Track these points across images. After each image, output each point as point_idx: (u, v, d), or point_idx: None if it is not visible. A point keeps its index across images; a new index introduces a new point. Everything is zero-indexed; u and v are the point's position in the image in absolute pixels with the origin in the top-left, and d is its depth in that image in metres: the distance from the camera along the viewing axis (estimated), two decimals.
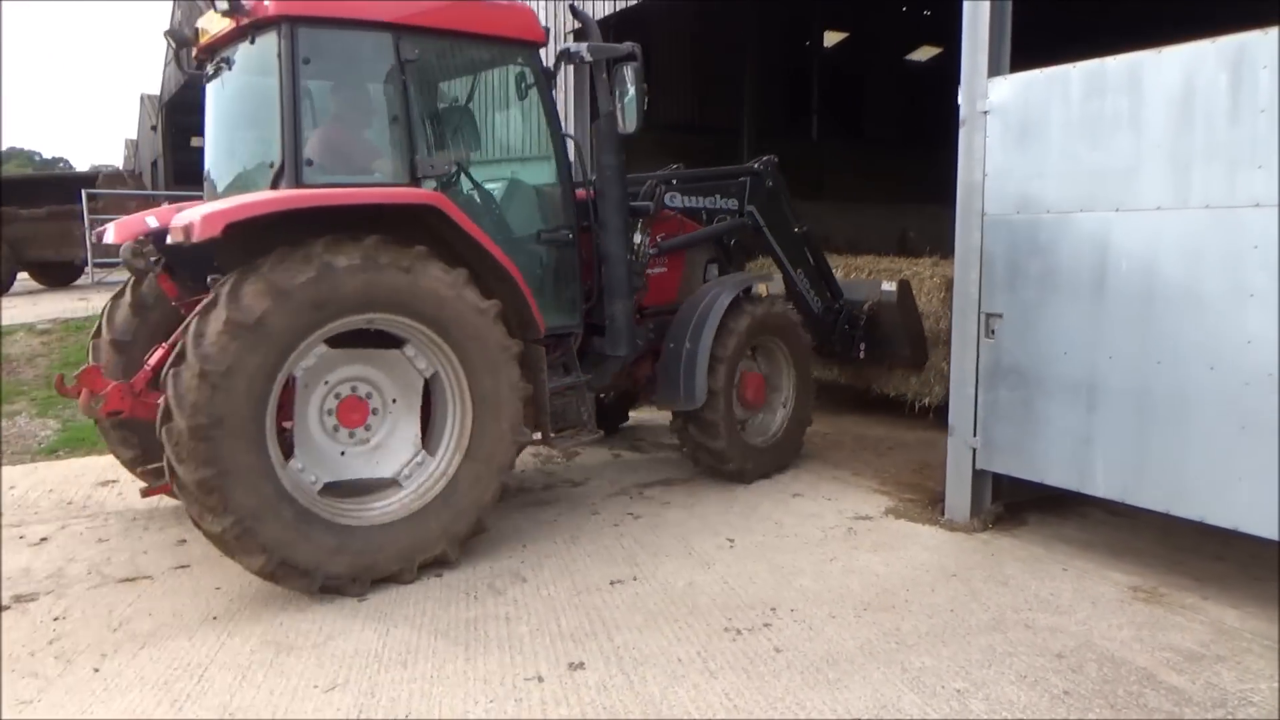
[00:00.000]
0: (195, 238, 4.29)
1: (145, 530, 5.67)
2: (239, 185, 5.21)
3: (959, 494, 5.57)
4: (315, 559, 4.49)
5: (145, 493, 5.08)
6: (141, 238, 5.41)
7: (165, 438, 4.28)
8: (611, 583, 4.77)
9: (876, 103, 22.97)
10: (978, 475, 5.52)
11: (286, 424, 4.78)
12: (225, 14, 4.87)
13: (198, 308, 4.39)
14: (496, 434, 5.02)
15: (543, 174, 5.76)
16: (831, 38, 23.08)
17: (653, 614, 4.38)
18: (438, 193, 4.96)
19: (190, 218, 4.35)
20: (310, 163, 4.73)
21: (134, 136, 53.27)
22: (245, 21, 4.85)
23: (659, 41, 18.22)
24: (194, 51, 5.51)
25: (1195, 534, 5.07)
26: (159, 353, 5.03)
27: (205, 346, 4.24)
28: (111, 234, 5.52)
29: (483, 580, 4.83)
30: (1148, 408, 4.59)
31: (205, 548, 5.18)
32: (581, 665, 3.89)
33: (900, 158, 20.92)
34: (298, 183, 4.67)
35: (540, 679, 3.78)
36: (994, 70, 5.25)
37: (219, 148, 5.51)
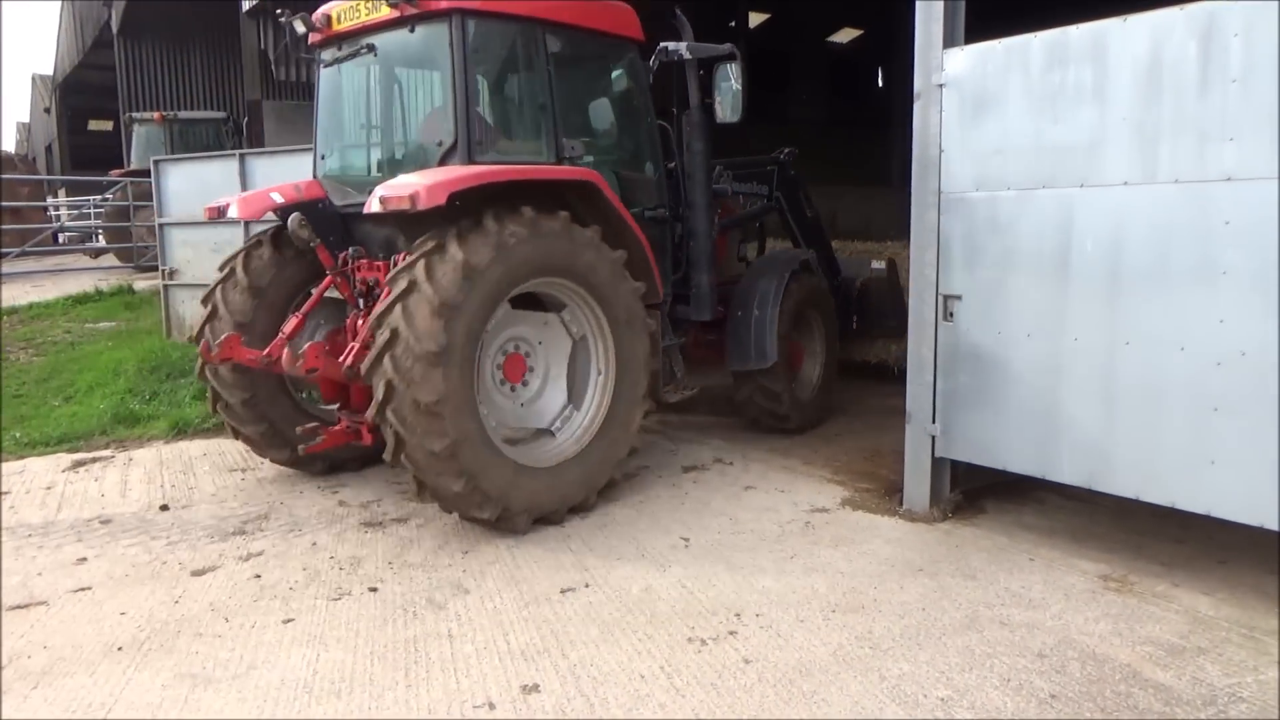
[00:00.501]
0: (421, 206, 4.73)
1: (40, 549, 5.12)
2: (387, 161, 5.88)
3: (917, 483, 5.39)
4: (524, 503, 5.13)
5: (305, 450, 5.78)
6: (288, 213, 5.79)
7: (392, 416, 4.75)
8: (562, 591, 4.44)
9: (802, 84, 22.90)
10: (937, 463, 5.34)
11: None
12: (394, 5, 5.23)
13: (391, 290, 4.83)
14: (632, 394, 5.68)
15: (643, 158, 6.37)
16: (757, 19, 22.94)
17: (609, 625, 4.07)
18: (593, 170, 5.54)
19: (408, 189, 4.78)
20: (480, 142, 5.26)
21: (26, 119, 50.53)
22: (410, 13, 5.25)
23: None
24: (314, 37, 5.94)
25: (1153, 517, 4.99)
26: (293, 321, 5.69)
27: (419, 329, 4.70)
28: (235, 209, 5.87)
29: (420, 593, 4.45)
30: (1115, 391, 4.44)
31: (110, 566, 4.74)
32: (536, 688, 3.56)
33: (826, 140, 20.92)
34: (469, 159, 5.16)
35: (491, 705, 3.44)
36: (949, 42, 5.03)
37: (348, 127, 6.08)
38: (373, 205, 4.95)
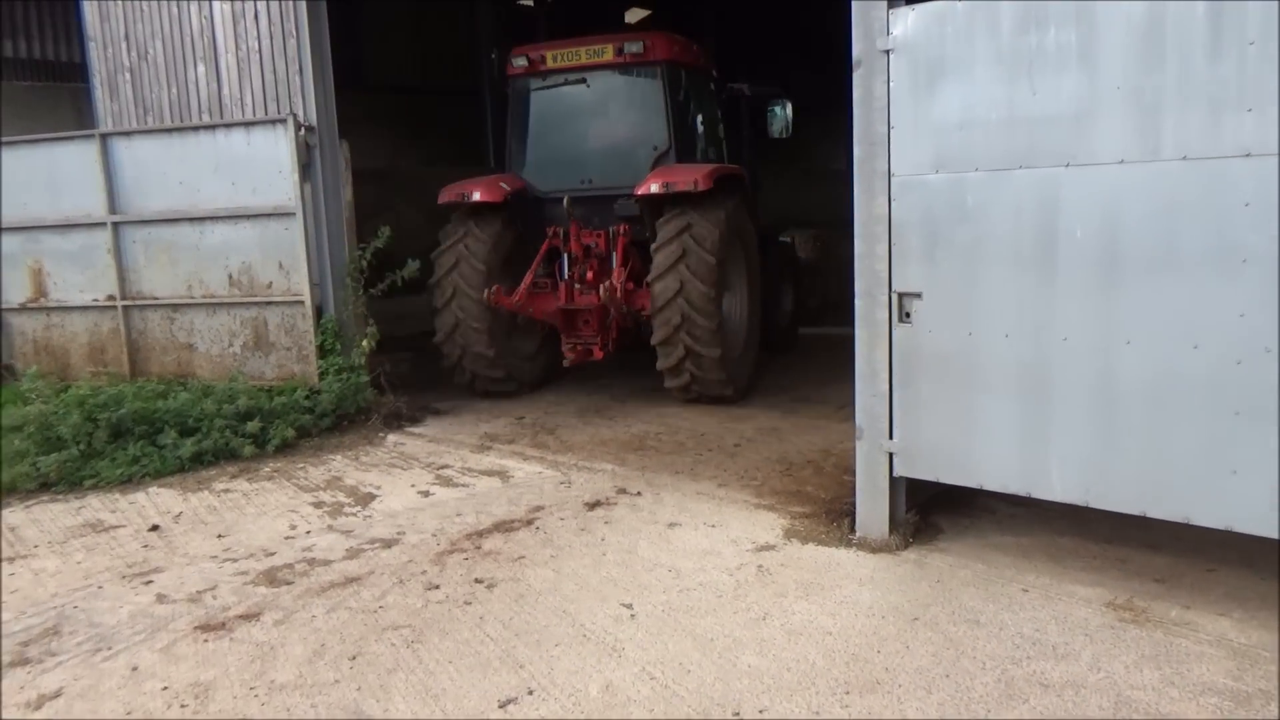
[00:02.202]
0: (700, 188, 7.42)
1: None
2: (595, 165, 8.47)
3: (874, 507, 4.75)
4: (743, 380, 8.13)
5: (569, 363, 8.23)
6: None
7: (685, 336, 7.41)
8: (500, 704, 3.43)
9: None
10: (894, 483, 4.72)
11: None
12: (631, 55, 8.11)
13: (661, 254, 7.47)
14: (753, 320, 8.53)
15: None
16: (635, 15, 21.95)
17: None
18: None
19: (688, 177, 7.50)
20: (685, 150, 8.27)
21: None
22: (631, 59, 8.13)
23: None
24: (527, 66, 8.48)
25: (1108, 520, 4.55)
26: (527, 278, 8.16)
27: (701, 277, 7.36)
28: (478, 194, 8.11)
29: None
30: (1114, 396, 3.95)
31: None
32: None
33: None
34: (678, 160, 8.11)
35: None
36: (893, 2, 4.36)
37: (552, 137, 8.63)
38: (651, 188, 7.60)
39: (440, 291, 8.20)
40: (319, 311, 7.77)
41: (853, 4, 4.46)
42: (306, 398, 7.45)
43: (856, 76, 4.50)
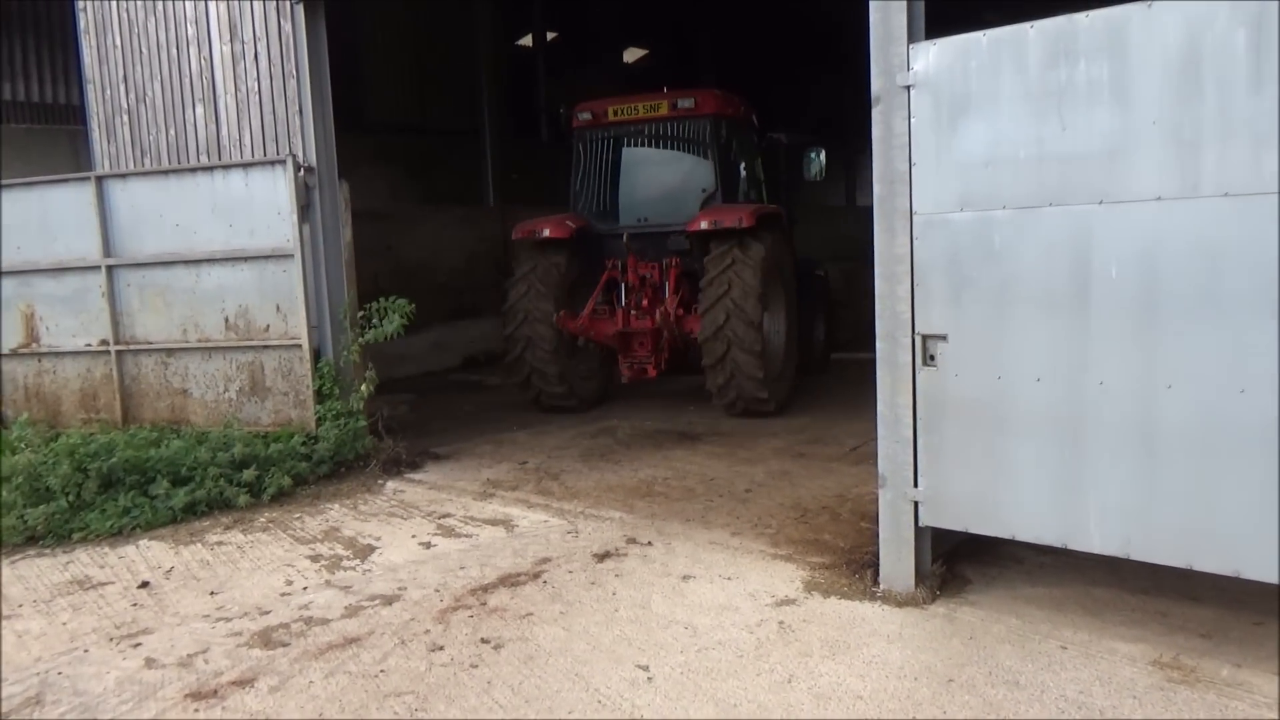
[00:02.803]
0: (745, 225, 8.50)
1: None
2: (650, 205, 9.65)
3: (899, 559, 4.52)
4: (781, 398, 9.09)
5: (627, 379, 9.39)
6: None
7: (740, 353, 8.42)
8: None
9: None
10: (919, 533, 4.50)
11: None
12: (684, 110, 9.31)
13: (713, 284, 8.50)
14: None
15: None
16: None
17: None
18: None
19: (733, 216, 8.61)
20: (729, 191, 9.42)
21: None
22: (683, 113, 9.34)
23: (375, 31, 16.16)
24: (591, 119, 9.75)
25: (1144, 569, 4.29)
26: (589, 306, 9.41)
27: (745, 307, 8.37)
28: (548, 231, 9.23)
29: None
30: (1156, 442, 3.75)
31: None
32: None
33: None
34: (724, 201, 9.23)
35: None
36: (914, 35, 4.22)
37: (609, 179, 9.90)
38: (701, 225, 8.68)
39: (512, 315, 9.25)
40: (317, 355, 7.55)
41: (871, 39, 4.31)
42: (303, 444, 7.22)
43: (876, 113, 4.35)
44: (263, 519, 6.35)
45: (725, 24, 21.13)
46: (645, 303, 9.25)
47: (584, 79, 21.45)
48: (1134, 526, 3.85)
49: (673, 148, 9.83)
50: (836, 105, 24.35)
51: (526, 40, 20.79)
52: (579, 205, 9.89)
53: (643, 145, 9.86)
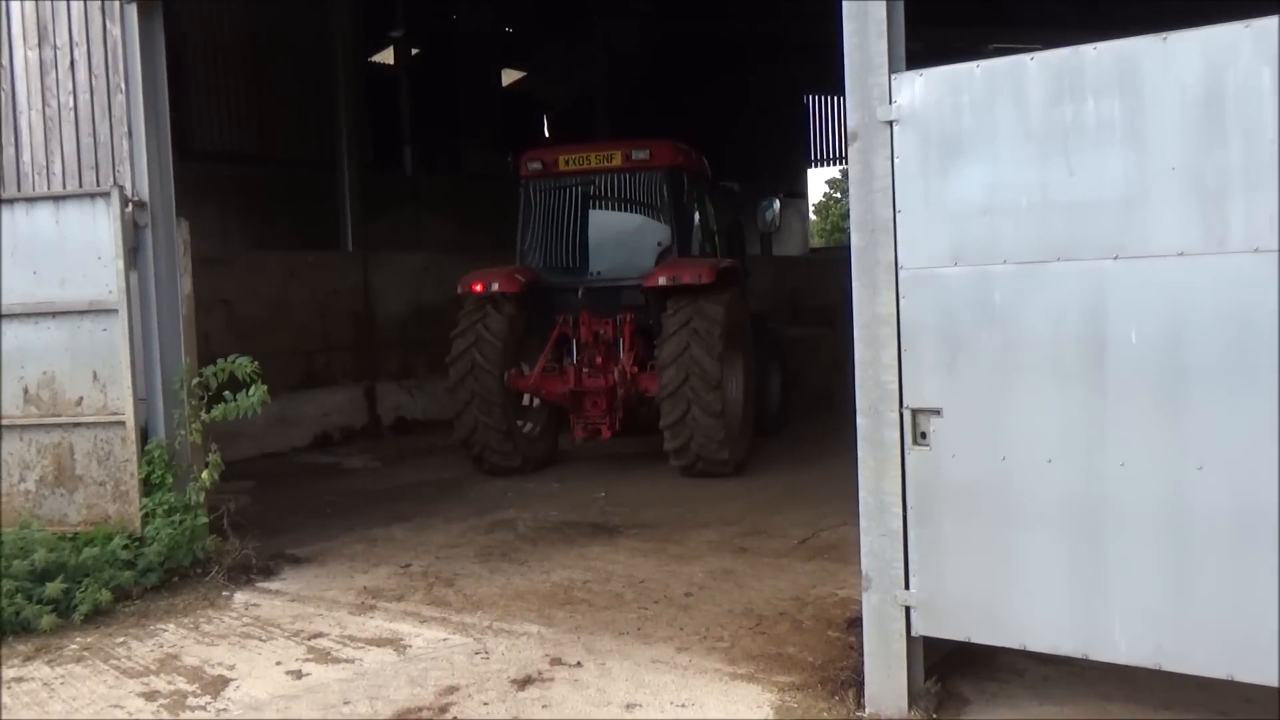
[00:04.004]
0: (704, 280, 9.58)
1: None
2: (603, 258, 10.93)
3: (887, 676, 4.47)
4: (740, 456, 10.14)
5: (580, 441, 10.57)
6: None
7: (699, 410, 9.36)
8: None
9: (475, 129, 22.18)
10: (912, 644, 4.47)
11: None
12: (638, 162, 10.58)
13: (670, 342, 9.49)
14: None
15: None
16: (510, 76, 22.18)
17: None
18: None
19: (693, 270, 9.74)
20: (685, 245, 10.66)
21: None
22: (637, 164, 10.61)
23: (203, 39, 15.80)
24: (541, 169, 10.97)
25: (1163, 679, 4.38)
26: (540, 362, 10.48)
27: (705, 366, 9.32)
28: (497, 284, 10.24)
29: None
30: (1188, 532, 3.84)
31: None
32: None
33: (502, 195, 20.22)
34: (680, 255, 10.43)
35: None
36: (896, 64, 4.33)
37: (558, 231, 11.13)
38: (659, 280, 9.79)
39: (457, 369, 10.09)
40: (144, 435, 7.14)
41: (846, 67, 4.40)
42: (126, 548, 6.75)
43: (853, 151, 4.42)
44: (75, 646, 5.88)
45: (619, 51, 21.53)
46: (599, 360, 10.22)
47: (455, 102, 21.52)
48: (1166, 632, 3.91)
49: (627, 200, 11.16)
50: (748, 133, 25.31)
51: (386, 56, 20.74)
52: (527, 258, 10.97)
53: (595, 197, 11.13)
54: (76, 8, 7.37)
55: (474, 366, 10.02)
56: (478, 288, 10.22)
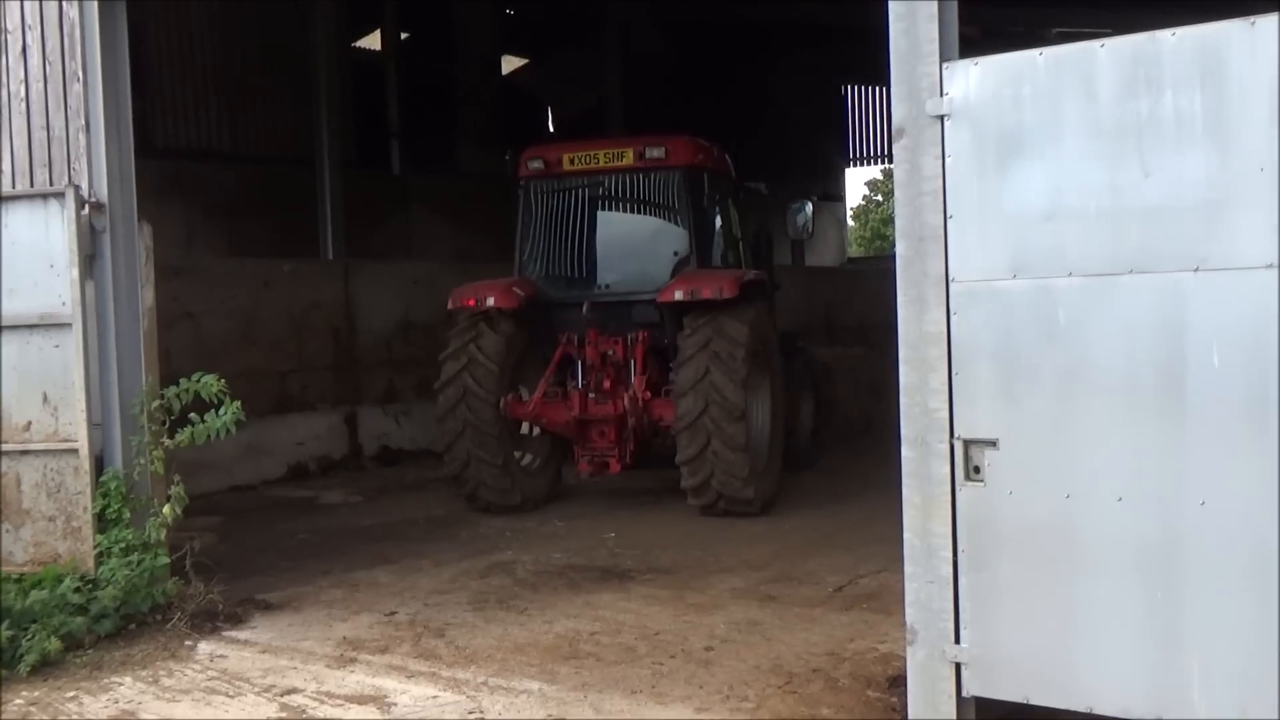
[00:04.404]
0: (726, 295, 9.36)
1: None
2: (612, 269, 10.81)
3: None
4: (766, 494, 9.99)
5: (586, 475, 10.60)
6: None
7: (721, 444, 9.19)
8: None
9: (472, 122, 22.35)
10: (962, 705, 4.47)
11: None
12: (652, 161, 10.30)
13: (687, 366, 9.37)
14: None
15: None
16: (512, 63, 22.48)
17: None
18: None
19: (713, 284, 9.53)
20: (705, 254, 10.51)
21: None
22: (651, 163, 10.32)
23: (167, 23, 16.00)
24: (542, 169, 10.76)
25: None
26: (541, 386, 10.36)
27: (727, 394, 9.13)
28: (492, 299, 10.06)
29: None
30: (1277, 580, 3.84)
31: None
32: None
33: (502, 198, 20.37)
34: (701, 265, 10.28)
35: None
36: (948, 51, 4.37)
37: (565, 238, 10.90)
38: (676, 294, 9.61)
39: (447, 395, 9.97)
40: (99, 464, 7.21)
41: (891, 55, 4.44)
42: (78, 590, 6.81)
43: (898, 149, 4.47)
44: (20, 701, 5.93)
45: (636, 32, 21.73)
46: (607, 384, 10.02)
47: (449, 94, 21.70)
48: (1252, 689, 3.91)
49: (640, 203, 10.94)
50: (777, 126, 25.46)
51: (373, 41, 20.97)
52: (527, 269, 10.82)
53: (604, 200, 10.92)
54: None
55: (466, 393, 9.90)
56: (470, 302, 10.12)
